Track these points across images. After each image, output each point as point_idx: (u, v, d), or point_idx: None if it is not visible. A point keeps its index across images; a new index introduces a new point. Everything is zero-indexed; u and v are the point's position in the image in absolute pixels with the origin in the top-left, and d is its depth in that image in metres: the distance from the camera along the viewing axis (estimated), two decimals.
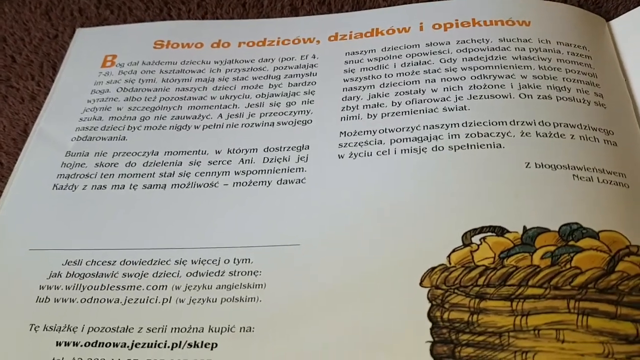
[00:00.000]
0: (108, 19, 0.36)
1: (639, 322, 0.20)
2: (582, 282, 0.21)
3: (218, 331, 0.22)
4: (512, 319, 0.20)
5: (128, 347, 0.22)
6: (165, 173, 0.28)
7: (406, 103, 0.28)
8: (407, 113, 0.27)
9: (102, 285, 0.24)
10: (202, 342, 0.22)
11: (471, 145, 0.25)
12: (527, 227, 0.23)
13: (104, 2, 0.37)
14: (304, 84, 0.30)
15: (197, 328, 0.22)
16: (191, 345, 0.22)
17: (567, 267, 0.21)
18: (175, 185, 0.27)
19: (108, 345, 0.22)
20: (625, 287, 0.21)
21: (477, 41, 0.30)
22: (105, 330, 0.23)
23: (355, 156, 0.27)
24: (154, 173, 0.28)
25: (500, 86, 0.27)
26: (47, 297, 0.24)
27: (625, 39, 0.31)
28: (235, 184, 0.27)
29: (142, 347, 0.22)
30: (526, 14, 0.30)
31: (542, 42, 0.29)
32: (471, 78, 0.28)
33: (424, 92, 0.28)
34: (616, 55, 0.30)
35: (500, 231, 0.23)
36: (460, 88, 0.28)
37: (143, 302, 0.24)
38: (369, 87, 0.29)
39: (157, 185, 0.27)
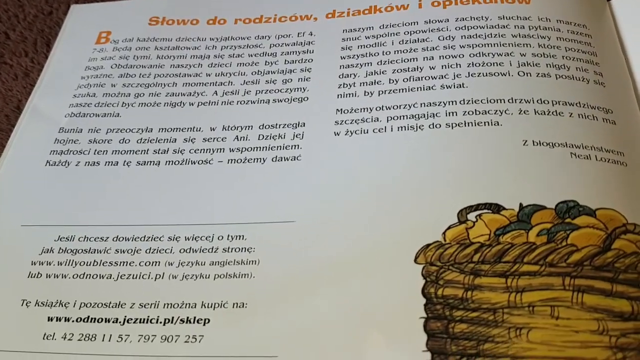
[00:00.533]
0: None
1: (635, 300, 0.20)
2: (577, 260, 0.21)
3: (211, 307, 0.22)
4: (506, 296, 0.20)
5: (120, 322, 0.22)
6: (159, 150, 0.27)
7: (403, 80, 0.28)
8: (404, 90, 0.27)
9: (94, 261, 0.24)
10: (195, 317, 0.22)
11: (468, 123, 0.25)
12: (524, 205, 0.22)
13: None
14: (300, 61, 0.30)
15: (189, 304, 0.22)
16: (183, 321, 0.22)
17: (563, 245, 0.21)
18: (169, 162, 0.27)
19: (100, 320, 0.22)
20: (621, 264, 0.21)
21: (476, 19, 0.29)
22: (97, 306, 0.23)
23: (352, 133, 0.26)
24: (147, 150, 0.27)
25: (499, 64, 0.27)
26: (39, 273, 0.24)
27: (625, 18, 0.30)
28: (230, 160, 0.26)
29: (134, 322, 0.22)
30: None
31: (541, 20, 0.29)
32: (469, 56, 0.28)
33: (421, 70, 0.28)
34: (616, 34, 0.29)
35: (496, 208, 0.22)
36: (458, 65, 0.27)
37: (135, 278, 0.23)
38: (366, 65, 0.29)
39: (151, 162, 0.27)
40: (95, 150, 0.28)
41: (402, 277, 0.21)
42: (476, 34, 0.28)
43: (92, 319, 0.22)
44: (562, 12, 0.29)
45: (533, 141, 0.24)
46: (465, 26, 0.29)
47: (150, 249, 0.24)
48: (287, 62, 0.30)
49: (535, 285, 0.20)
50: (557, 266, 0.21)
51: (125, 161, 0.27)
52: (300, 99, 0.28)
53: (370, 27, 0.30)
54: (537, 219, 0.22)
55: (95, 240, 0.25)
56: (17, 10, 0.36)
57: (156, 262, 0.24)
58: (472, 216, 0.22)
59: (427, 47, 0.29)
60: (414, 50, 0.29)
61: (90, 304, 0.23)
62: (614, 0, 0.32)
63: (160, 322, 0.22)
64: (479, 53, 0.28)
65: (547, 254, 0.21)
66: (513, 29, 0.28)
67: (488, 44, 0.28)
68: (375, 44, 0.30)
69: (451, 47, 0.28)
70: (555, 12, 0.29)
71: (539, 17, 0.29)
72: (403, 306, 0.21)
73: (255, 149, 0.27)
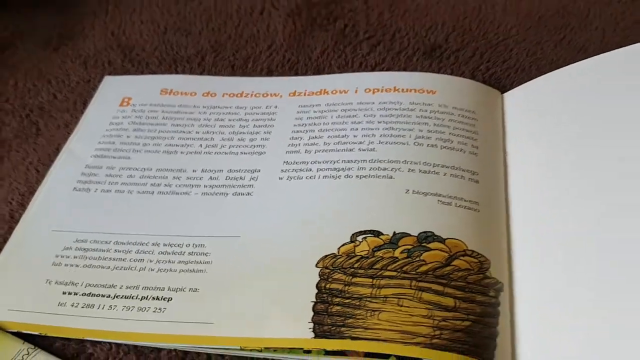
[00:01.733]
0: (129, 70, 0.48)
1: (458, 299, 0.29)
2: (424, 270, 0.30)
3: (174, 290, 0.32)
4: (370, 290, 0.30)
5: (111, 297, 0.32)
6: (154, 183, 0.38)
7: (333, 144, 0.38)
8: (332, 151, 0.38)
9: (98, 257, 0.34)
10: (162, 296, 0.32)
11: (371, 176, 0.35)
12: (396, 232, 0.32)
13: (127, 57, 0.49)
14: (265, 126, 0.41)
15: (160, 287, 0.32)
16: (154, 298, 0.32)
17: (417, 260, 0.31)
18: (161, 192, 0.37)
19: (97, 295, 0.32)
20: (454, 276, 0.30)
21: (393, 103, 0.40)
22: (97, 286, 0.33)
23: (291, 179, 0.37)
24: (146, 183, 0.38)
25: (402, 136, 0.37)
26: (60, 262, 0.34)
27: (510, 106, 0.41)
28: (203, 193, 0.37)
29: (120, 298, 0.32)
30: (435, 85, 0.41)
31: (440, 106, 0.39)
32: (383, 129, 0.38)
33: (347, 137, 0.38)
34: (501, 119, 0.40)
35: (377, 233, 0.32)
36: (373, 135, 0.38)
37: (125, 269, 0.33)
38: (310, 131, 0.39)
39: (147, 191, 0.38)
40: (109, 182, 0.38)
41: (306, 275, 0.31)
42: (391, 114, 0.39)
43: (92, 294, 0.32)
44: (457, 101, 0.40)
45: (413, 190, 0.34)
46: (384, 107, 0.40)
47: (138, 250, 0.34)
48: (255, 126, 0.41)
49: (391, 285, 0.30)
50: (409, 273, 0.30)
51: (129, 190, 0.38)
52: (259, 153, 0.39)
53: (318, 105, 0.41)
54: (403, 242, 0.31)
55: (100, 243, 0.35)
56: (64, 77, 0.48)
57: (141, 259, 0.34)
58: (360, 238, 0.32)
59: (355, 121, 0.39)
60: (345, 123, 0.39)
61: (92, 284, 0.33)
62: (506, 94, 0.42)
63: (138, 298, 0.32)
64: (390, 127, 0.38)
65: (404, 265, 0.30)
66: (418, 112, 0.39)
67: (398, 122, 0.38)
68: (320, 117, 0.40)
69: (371, 122, 0.39)
70: (452, 101, 0.40)
71: (439, 104, 0.39)
72: (302, 293, 0.30)
73: (222, 186, 0.37)
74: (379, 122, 0.39)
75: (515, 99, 0.41)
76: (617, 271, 0.28)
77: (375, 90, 0.41)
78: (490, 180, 0.36)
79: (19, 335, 0.31)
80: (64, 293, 0.33)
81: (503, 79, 0.44)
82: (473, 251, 0.31)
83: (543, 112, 0.38)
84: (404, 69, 0.45)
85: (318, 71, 0.46)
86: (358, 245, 0.32)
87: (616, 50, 0.39)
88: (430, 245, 0.31)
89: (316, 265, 0.31)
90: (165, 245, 0.34)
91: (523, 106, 0.41)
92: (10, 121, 0.44)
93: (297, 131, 0.40)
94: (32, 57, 0.50)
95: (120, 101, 0.44)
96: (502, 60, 0.45)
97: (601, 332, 0.26)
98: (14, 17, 0.54)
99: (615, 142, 0.33)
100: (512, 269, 0.32)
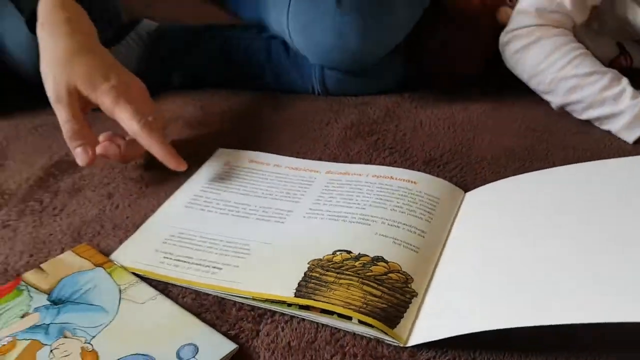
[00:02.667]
0: (238, 147, 0.74)
1: (384, 293, 0.48)
2: (369, 275, 0.50)
3: (225, 264, 0.54)
4: (333, 279, 0.50)
5: (189, 263, 0.55)
6: (230, 209, 0.62)
7: (342, 203, 0.60)
8: (339, 206, 0.59)
9: (187, 242, 0.58)
10: (217, 267, 0.54)
11: (357, 222, 0.56)
12: (360, 253, 0.52)
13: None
14: (304, 187, 0.64)
15: (217, 262, 0.54)
16: (213, 267, 0.54)
17: (367, 269, 0.51)
18: (232, 214, 0.61)
19: (182, 261, 0.55)
20: (386, 281, 0.49)
21: (387, 185, 0.62)
22: (183, 257, 0.56)
23: (310, 218, 0.59)
24: (224, 208, 0.62)
25: (384, 204, 0.59)
26: (166, 242, 0.58)
27: (466, 201, 0.61)
28: (257, 218, 0.60)
29: (194, 264, 0.55)
30: (418, 179, 0.62)
31: (417, 192, 0.60)
32: (375, 199, 0.60)
33: (351, 200, 0.60)
34: (457, 208, 0.60)
35: (348, 252, 0.53)
36: (367, 201, 0.59)
37: (200, 251, 0.56)
38: (330, 194, 0.62)
39: (224, 213, 0.61)
40: (204, 205, 0.63)
41: (300, 266, 0.52)
42: (383, 191, 0.61)
43: (179, 260, 0.55)
44: (429, 190, 0.61)
45: (379, 234, 0.55)
46: (380, 187, 0.61)
47: (210, 242, 0.57)
48: (299, 186, 0.64)
49: (347, 278, 0.50)
50: (359, 275, 0.50)
51: (213, 210, 0.62)
52: (296, 201, 0.62)
53: (340, 180, 0.64)
54: (363, 259, 0.52)
55: (191, 236, 0.58)
56: (191, 152, 0.75)
57: (210, 246, 0.57)
58: (338, 252, 0.53)
59: (359, 192, 0.61)
60: (353, 192, 0.61)
61: (181, 255, 0.56)
62: (468, 193, 0.62)
63: (204, 266, 0.54)
64: (379, 198, 0.59)
65: (358, 270, 0.50)
66: (401, 192, 0.60)
67: (385, 196, 0.60)
68: (339, 187, 0.63)
69: (369, 194, 0.61)
70: (426, 189, 0.61)
71: (417, 190, 0.60)
72: (295, 275, 0.51)
73: (268, 215, 0.60)
74: (374, 195, 0.60)
75: (473, 196, 0.61)
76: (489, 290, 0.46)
77: (379, 176, 0.63)
78: (433, 238, 0.55)
79: (133, 274, 0.55)
80: (165, 257, 0.56)
81: (470, 185, 0.64)
82: (404, 272, 0.51)
83: (487, 207, 0.58)
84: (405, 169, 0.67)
85: (351, 161, 0.69)
86: (336, 256, 0.53)
87: (543, 170, 0.59)
88: (379, 263, 0.51)
89: (307, 263, 0.52)
90: (227, 242, 0.57)
91: (475, 201, 0.60)
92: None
93: (323, 193, 0.63)
94: None
95: (223, 164, 0.70)
96: (474, 173, 0.66)
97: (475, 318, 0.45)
98: None
99: (525, 238, 0.52)
100: (429, 286, 0.50)
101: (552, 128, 0.73)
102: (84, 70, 0.63)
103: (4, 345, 0.45)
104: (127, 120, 0.62)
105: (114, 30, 0.91)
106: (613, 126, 0.70)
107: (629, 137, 0.69)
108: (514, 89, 0.79)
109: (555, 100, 0.75)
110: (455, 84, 0.85)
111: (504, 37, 0.78)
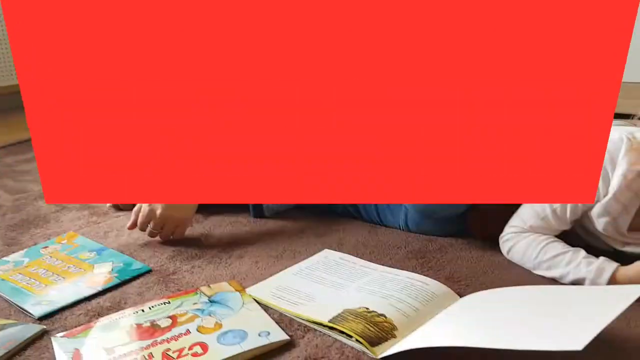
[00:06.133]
0: None
1: (371, 330, 0.86)
2: (368, 318, 0.88)
3: (301, 303, 0.97)
4: (353, 318, 0.89)
5: (287, 301, 0.98)
6: (311, 278, 1.05)
7: (377, 286, 0.99)
8: (375, 286, 0.99)
9: (287, 290, 1.02)
10: (296, 303, 0.97)
11: (373, 293, 0.95)
12: (368, 308, 0.91)
13: None
14: (362, 276, 1.05)
15: (299, 303, 0.97)
16: (299, 303, 0.97)
17: (373, 317, 0.89)
18: (313, 281, 1.04)
19: (283, 300, 0.99)
20: (379, 324, 0.87)
21: (398, 278, 1.00)
22: (284, 297, 1.00)
23: (359, 291, 0.99)
24: (323, 281, 1.05)
25: (402, 291, 0.96)
26: (277, 289, 1.03)
27: (457, 303, 0.96)
28: (328, 285, 1.02)
29: (287, 301, 0.98)
30: (422, 280, 0.99)
31: (427, 289, 0.97)
32: (399, 287, 0.98)
33: (384, 286, 0.99)
34: (449, 304, 0.95)
35: (359, 307, 0.92)
36: (393, 287, 0.98)
37: (293, 295, 1.00)
38: (375, 281, 1.02)
39: (313, 281, 1.05)
40: (305, 275, 1.07)
41: (331, 314, 0.92)
42: (394, 282, 0.99)
43: (282, 299, 0.99)
44: (435, 289, 0.97)
45: (390, 304, 0.93)
46: (392, 280, 1.00)
47: (299, 294, 1.00)
48: (359, 275, 1.05)
49: (359, 319, 0.89)
50: (363, 317, 0.89)
51: (312, 280, 1.05)
52: (354, 281, 1.03)
53: (385, 276, 1.04)
54: (373, 313, 0.90)
55: (290, 290, 1.02)
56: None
57: (300, 297, 1.00)
58: (360, 308, 0.92)
59: (391, 282, 1.00)
60: (386, 282, 1.01)
61: (284, 296, 1.00)
62: (461, 298, 0.97)
63: (294, 303, 0.97)
64: (402, 287, 0.98)
65: (368, 317, 0.89)
66: (417, 285, 0.98)
67: (393, 285, 0.98)
68: (382, 278, 1.03)
69: (384, 284, 0.99)
70: (433, 289, 0.97)
71: (427, 288, 0.97)
72: (325, 315, 0.92)
73: (335, 287, 1.02)
74: (387, 284, 0.99)
75: (464, 300, 0.96)
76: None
77: (410, 278, 1.02)
78: (421, 314, 0.91)
79: (253, 299, 1.00)
80: (275, 296, 1.00)
81: (465, 288, 0.98)
82: (393, 324, 0.88)
83: (466, 303, 0.93)
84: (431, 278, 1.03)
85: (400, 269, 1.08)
86: (359, 309, 0.92)
87: (509, 287, 0.93)
88: (380, 317, 0.89)
89: (343, 309, 0.93)
90: (305, 294, 1.00)
91: (464, 304, 0.95)
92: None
93: (371, 279, 1.02)
94: None
95: (324, 257, 1.14)
96: (475, 287, 1.00)
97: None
98: None
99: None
100: (404, 337, 0.86)
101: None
102: None
103: (186, 313, 0.93)
104: None
105: None
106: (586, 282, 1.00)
107: (600, 281, 0.97)
108: None
109: (543, 275, 1.06)
110: (487, 236, 1.19)
111: (500, 240, 1.12)
